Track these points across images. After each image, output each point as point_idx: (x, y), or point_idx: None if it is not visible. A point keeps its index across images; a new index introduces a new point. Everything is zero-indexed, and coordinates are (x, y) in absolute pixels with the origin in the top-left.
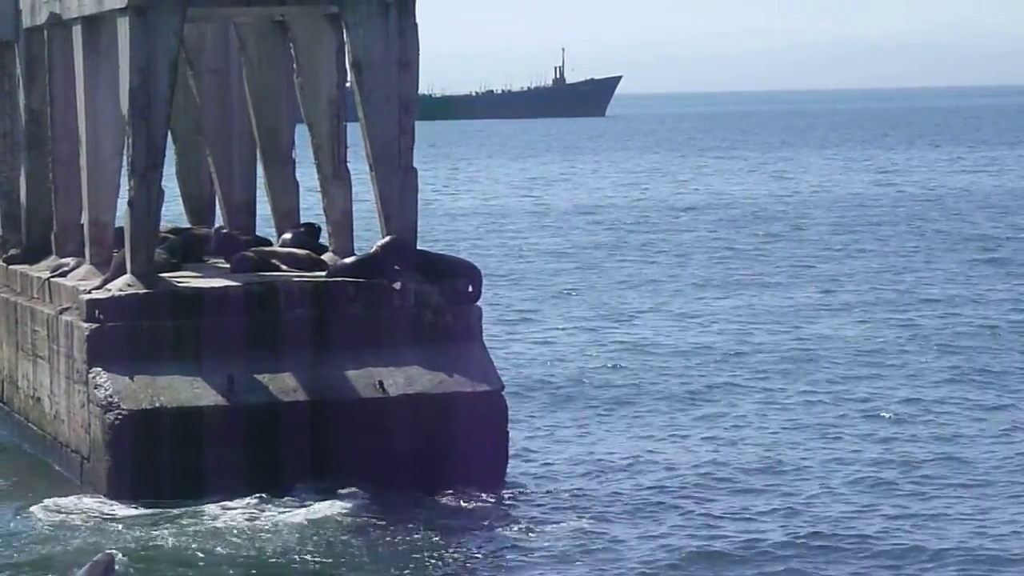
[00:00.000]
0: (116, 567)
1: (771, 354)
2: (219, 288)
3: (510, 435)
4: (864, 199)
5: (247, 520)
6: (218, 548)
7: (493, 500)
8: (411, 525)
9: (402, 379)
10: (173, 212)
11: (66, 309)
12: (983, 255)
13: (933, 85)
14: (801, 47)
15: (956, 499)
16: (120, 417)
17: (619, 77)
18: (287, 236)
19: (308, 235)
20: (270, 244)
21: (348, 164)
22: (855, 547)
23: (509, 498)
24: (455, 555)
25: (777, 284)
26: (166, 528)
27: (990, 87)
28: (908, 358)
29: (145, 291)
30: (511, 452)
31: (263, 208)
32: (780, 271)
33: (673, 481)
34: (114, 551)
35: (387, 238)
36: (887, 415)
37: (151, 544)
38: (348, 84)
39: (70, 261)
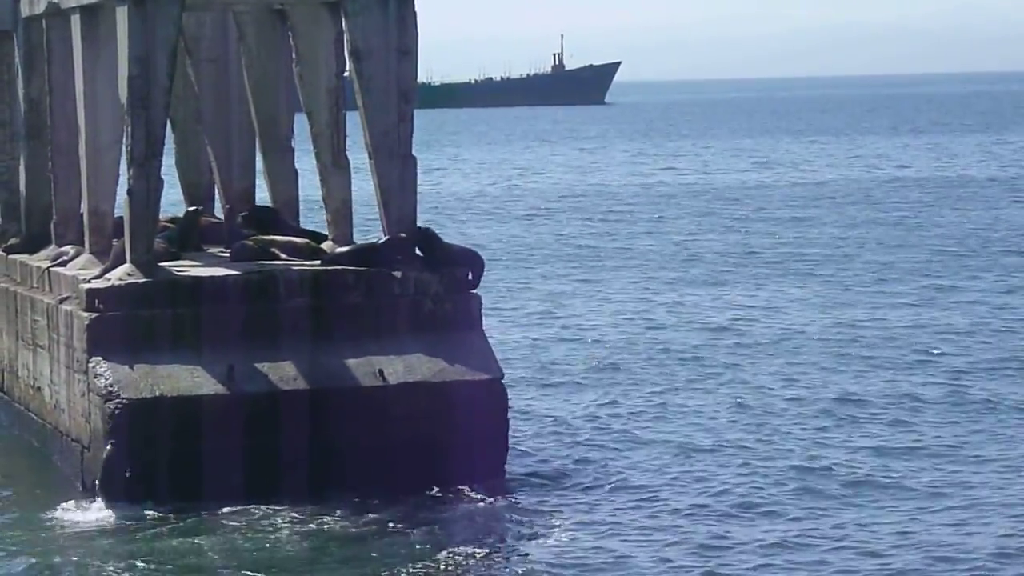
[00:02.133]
0: None
1: (773, 342)
2: (218, 277)
3: (510, 424)
4: (870, 188)
5: (246, 511)
6: (215, 542)
7: (493, 489)
8: (411, 514)
9: (402, 367)
10: (173, 201)
11: (66, 298)
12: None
13: (935, 71)
14: (802, 33)
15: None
16: (120, 406)
17: (618, 63)
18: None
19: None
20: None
21: (347, 153)
22: (862, 543)
23: (509, 487)
24: (455, 545)
25: (775, 273)
26: (165, 522)
27: (992, 73)
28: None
29: (145, 280)
30: (511, 441)
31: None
32: (778, 260)
33: (675, 470)
34: None
35: (388, 237)
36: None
37: (150, 539)
38: (347, 72)
39: (70, 250)
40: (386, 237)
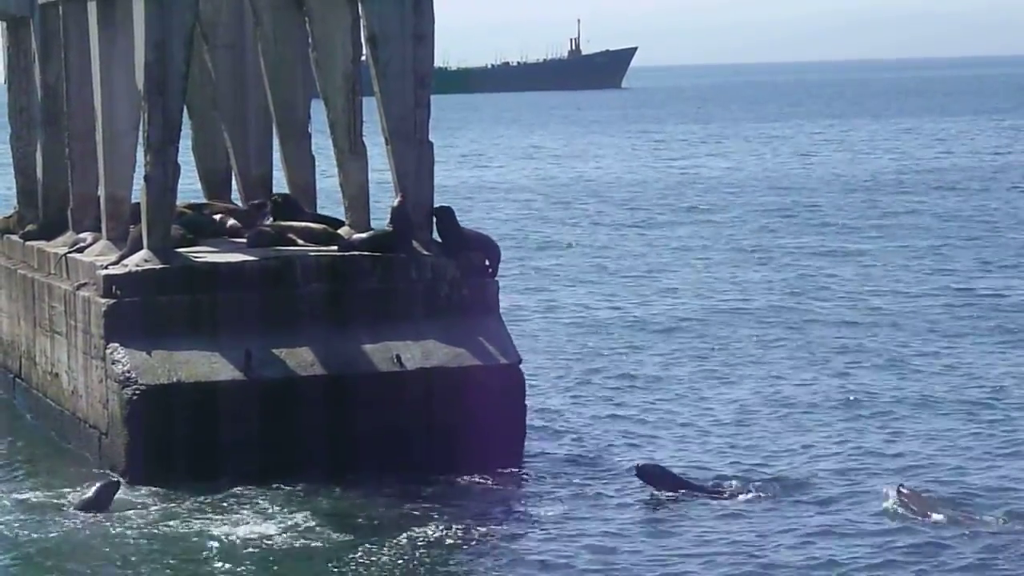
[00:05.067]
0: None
1: (789, 325)
2: (235, 263)
3: (527, 409)
4: (887, 175)
5: (262, 497)
6: (230, 529)
7: (511, 474)
8: (428, 500)
9: (419, 353)
10: (190, 187)
11: (83, 285)
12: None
13: (962, 55)
14: (825, 16)
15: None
16: (138, 392)
17: (635, 48)
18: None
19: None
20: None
21: (364, 138)
22: (883, 535)
23: (527, 472)
24: (473, 530)
25: (792, 258)
26: (180, 507)
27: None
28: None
29: (162, 266)
30: (528, 426)
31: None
32: (796, 246)
33: (693, 454)
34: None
35: (395, 201)
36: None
37: (165, 525)
38: (364, 58)
39: (87, 237)
40: (394, 203)
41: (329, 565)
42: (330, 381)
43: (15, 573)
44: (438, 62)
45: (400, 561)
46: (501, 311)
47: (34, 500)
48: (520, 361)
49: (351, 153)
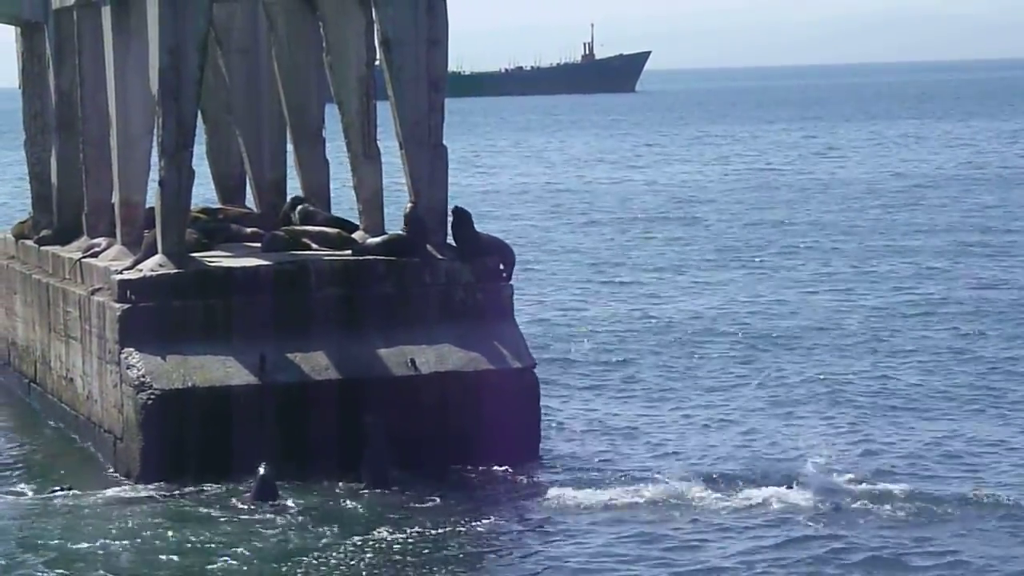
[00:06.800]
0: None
1: (798, 329)
2: (250, 267)
3: (542, 413)
4: (895, 177)
5: (275, 500)
6: (243, 531)
7: (525, 478)
8: (443, 504)
9: (433, 357)
10: (204, 192)
11: (98, 290)
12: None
13: (977, 58)
14: (840, 20)
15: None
16: (152, 397)
17: (648, 52)
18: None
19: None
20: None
21: (378, 142)
22: (892, 528)
23: (541, 476)
24: (487, 535)
25: (803, 263)
26: (192, 509)
27: None
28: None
29: (176, 271)
30: (543, 430)
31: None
32: (807, 250)
33: (708, 456)
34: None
35: (408, 207)
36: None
37: (176, 527)
38: (377, 62)
39: (101, 242)
40: (407, 211)
41: (340, 566)
42: (344, 385)
43: (22, 573)
44: (452, 66)
45: (413, 564)
46: (515, 315)
47: (40, 501)
48: (535, 365)
49: (365, 157)
